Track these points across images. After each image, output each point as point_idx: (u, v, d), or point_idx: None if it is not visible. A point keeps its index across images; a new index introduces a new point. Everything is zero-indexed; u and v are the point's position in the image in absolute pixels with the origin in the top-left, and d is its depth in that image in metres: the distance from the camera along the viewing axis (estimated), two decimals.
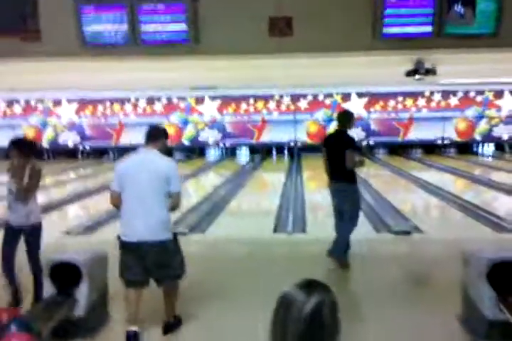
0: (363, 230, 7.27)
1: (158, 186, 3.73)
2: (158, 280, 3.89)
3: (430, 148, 18.59)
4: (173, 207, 3.88)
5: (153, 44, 5.22)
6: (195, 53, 5.68)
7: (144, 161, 3.83)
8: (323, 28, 5.53)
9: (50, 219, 8.60)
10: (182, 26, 5.03)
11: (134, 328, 3.71)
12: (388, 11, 4.82)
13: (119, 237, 3.84)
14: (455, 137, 18.20)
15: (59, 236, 7.09)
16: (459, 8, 4.77)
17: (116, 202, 3.83)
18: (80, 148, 19.18)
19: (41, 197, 10.68)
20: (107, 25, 5.08)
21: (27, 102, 18.82)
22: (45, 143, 19.07)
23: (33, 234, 4.42)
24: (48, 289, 3.90)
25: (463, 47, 5.50)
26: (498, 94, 17.72)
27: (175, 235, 3.91)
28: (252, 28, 5.50)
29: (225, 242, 6.83)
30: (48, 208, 9.27)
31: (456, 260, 4.18)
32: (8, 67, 8.20)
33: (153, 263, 3.76)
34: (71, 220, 8.85)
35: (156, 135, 3.93)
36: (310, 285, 1.46)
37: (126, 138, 18.82)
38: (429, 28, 4.87)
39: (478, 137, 18.22)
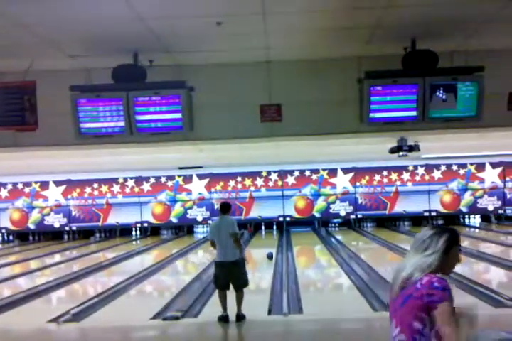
0: (359, 308, 7.18)
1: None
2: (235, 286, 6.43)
3: (417, 220, 18.80)
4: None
5: (148, 132, 5.35)
6: (188, 139, 5.85)
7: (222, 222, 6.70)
8: (311, 114, 5.77)
9: (35, 306, 8.34)
10: (177, 115, 5.20)
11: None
12: (374, 98, 5.06)
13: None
14: (441, 209, 18.43)
15: (46, 325, 6.80)
16: (441, 93, 5.04)
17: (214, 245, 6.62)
18: (67, 229, 18.99)
19: (26, 283, 10.54)
20: (103, 118, 5.24)
21: (14, 185, 18.82)
22: (31, 225, 18.90)
23: None
24: None
25: (446, 129, 5.77)
26: (480, 167, 18.22)
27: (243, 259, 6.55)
28: (244, 115, 5.73)
29: (220, 326, 6.60)
30: (33, 294, 9.01)
31: None
32: None
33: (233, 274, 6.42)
34: (58, 307, 8.56)
35: (227, 208, 6.84)
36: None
37: (114, 219, 18.78)
38: (414, 113, 5.10)
39: (463, 209, 18.48)
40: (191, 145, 7.54)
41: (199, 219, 18.81)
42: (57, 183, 18.79)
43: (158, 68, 5.50)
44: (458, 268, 8.69)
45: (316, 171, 18.55)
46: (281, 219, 18.69)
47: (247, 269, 6.71)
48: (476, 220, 18.97)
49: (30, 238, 19.42)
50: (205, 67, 5.67)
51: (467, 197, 18.40)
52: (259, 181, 18.70)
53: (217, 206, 18.53)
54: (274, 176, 18.69)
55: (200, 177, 18.61)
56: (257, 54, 5.53)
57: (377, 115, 5.17)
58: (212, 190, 18.68)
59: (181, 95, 5.14)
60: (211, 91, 5.64)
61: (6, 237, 19.47)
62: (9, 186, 18.87)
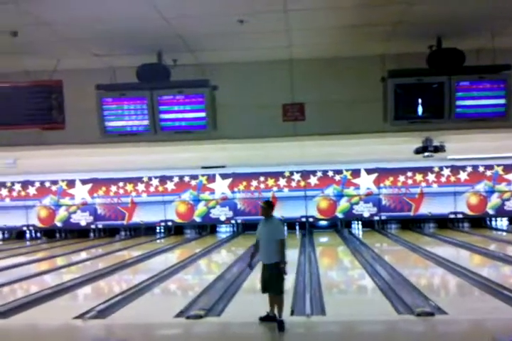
0: (382, 310, 7.11)
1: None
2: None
3: (443, 222, 18.53)
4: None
5: (172, 131, 5.40)
6: (211, 138, 5.89)
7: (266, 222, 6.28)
8: (334, 113, 5.75)
9: (61, 302, 8.48)
10: (200, 114, 5.24)
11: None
12: (398, 97, 5.02)
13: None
14: (467, 211, 18.13)
15: (72, 321, 6.90)
16: (467, 92, 4.98)
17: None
18: (93, 227, 19.26)
19: (52, 280, 10.71)
20: (128, 116, 5.30)
21: (41, 183, 19.18)
22: (57, 223, 19.24)
23: None
24: None
25: (473, 129, 5.68)
26: (508, 169, 17.86)
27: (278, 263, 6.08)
28: (266, 115, 5.74)
29: (242, 325, 6.60)
30: (60, 291, 9.15)
31: None
32: (27, 153, 8.47)
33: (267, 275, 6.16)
34: (84, 303, 8.67)
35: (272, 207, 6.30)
36: None
37: (138, 217, 18.97)
38: (439, 112, 5.04)
39: (490, 211, 18.14)
40: (214, 145, 7.57)
41: (222, 218, 18.86)
42: (84, 182, 19.07)
43: (181, 67, 5.56)
44: (484, 272, 8.59)
45: (339, 172, 18.43)
46: (303, 219, 18.60)
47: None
48: (503, 223, 18.58)
49: (57, 235, 19.71)
50: (228, 66, 5.70)
51: (494, 200, 18.04)
52: (282, 181, 18.66)
53: (240, 206, 18.60)
54: (296, 176, 18.63)
55: (223, 176, 18.65)
56: (280, 52, 5.54)
57: (402, 114, 5.12)
58: (235, 189, 18.72)
59: (205, 94, 5.19)
60: (234, 90, 5.68)
61: (33, 234, 19.83)
62: (37, 184, 19.22)
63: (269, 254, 6.13)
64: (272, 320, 6.15)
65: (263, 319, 6.25)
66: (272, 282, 6.17)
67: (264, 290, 6.27)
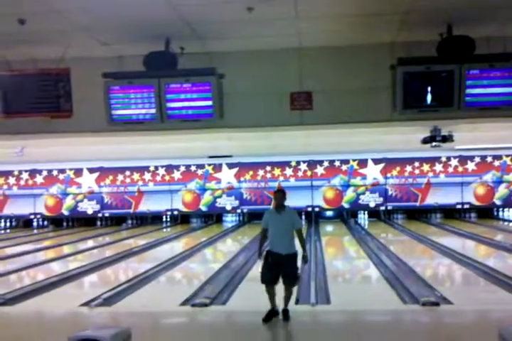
0: (388, 300, 7.12)
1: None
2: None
3: (449, 212, 18.49)
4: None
5: (178, 119, 5.38)
6: (218, 127, 5.87)
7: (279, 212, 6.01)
8: (342, 102, 5.70)
9: (68, 290, 8.54)
10: (207, 103, 5.22)
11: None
12: (407, 85, 4.97)
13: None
14: (474, 202, 18.06)
15: (78, 309, 6.95)
16: (476, 81, 4.92)
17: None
18: (99, 215, 19.35)
19: (59, 268, 10.78)
20: (135, 104, 5.29)
21: (49, 172, 19.25)
22: (64, 211, 19.34)
23: None
24: None
25: (482, 118, 5.63)
26: None
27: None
28: (273, 103, 5.70)
29: (247, 314, 6.62)
30: (66, 279, 9.21)
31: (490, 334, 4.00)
32: (34, 141, 8.48)
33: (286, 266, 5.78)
34: (90, 291, 8.73)
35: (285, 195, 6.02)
36: None
37: (145, 206, 19.04)
38: (448, 100, 5.00)
39: (498, 202, 18.07)
40: (221, 133, 7.55)
41: (228, 208, 18.91)
42: (91, 170, 19.13)
43: (189, 55, 5.52)
44: (491, 262, 8.56)
45: (345, 161, 18.39)
46: (309, 209, 18.61)
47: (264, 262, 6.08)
48: (510, 213, 18.52)
49: (64, 224, 19.86)
50: (236, 54, 5.66)
51: (501, 190, 17.97)
52: (288, 171, 18.66)
53: (246, 195, 18.61)
54: (303, 166, 18.61)
55: (230, 166, 18.67)
56: (288, 41, 5.49)
57: (411, 103, 5.08)
58: (242, 179, 18.73)
59: (212, 82, 5.16)
60: (241, 78, 5.64)
61: (41, 223, 19.99)
62: (44, 173, 19.32)
63: (286, 244, 5.85)
64: (276, 315, 5.88)
65: (267, 319, 5.83)
66: (293, 272, 5.92)
67: (272, 282, 5.90)
